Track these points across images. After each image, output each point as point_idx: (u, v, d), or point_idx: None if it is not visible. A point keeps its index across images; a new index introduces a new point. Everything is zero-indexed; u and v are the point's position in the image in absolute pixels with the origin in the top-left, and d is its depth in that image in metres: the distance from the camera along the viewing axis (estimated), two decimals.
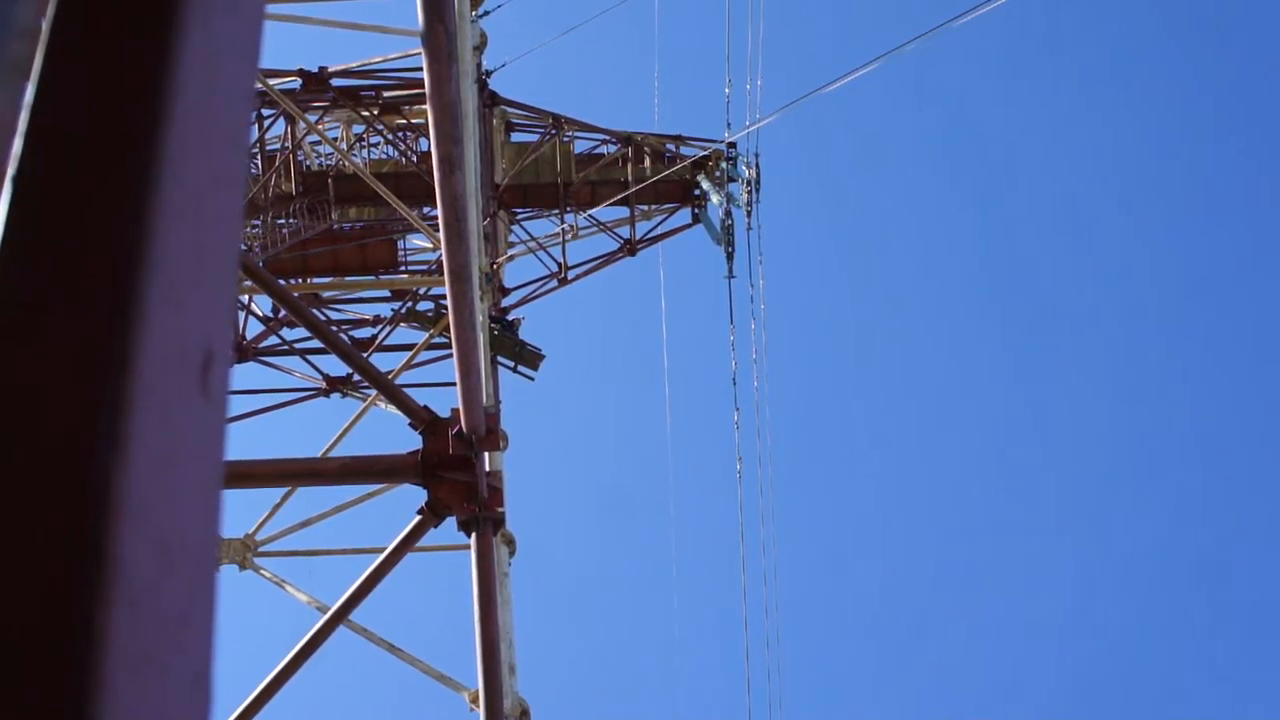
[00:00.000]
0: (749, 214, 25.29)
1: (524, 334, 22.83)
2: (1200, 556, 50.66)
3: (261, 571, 18.73)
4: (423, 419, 8.71)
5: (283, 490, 18.30)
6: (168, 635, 0.84)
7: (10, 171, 0.91)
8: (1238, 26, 51.80)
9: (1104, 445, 53.40)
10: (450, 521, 8.98)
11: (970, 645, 51.32)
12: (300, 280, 23.24)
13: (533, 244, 25.08)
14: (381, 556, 9.28)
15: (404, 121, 22.90)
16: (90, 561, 0.78)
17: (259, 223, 22.12)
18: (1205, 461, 52.00)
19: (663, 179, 24.78)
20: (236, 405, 22.00)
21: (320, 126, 22.41)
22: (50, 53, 0.96)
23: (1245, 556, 50.90)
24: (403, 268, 24.08)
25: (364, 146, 24.35)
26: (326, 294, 23.98)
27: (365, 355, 19.35)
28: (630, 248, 25.17)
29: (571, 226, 25.00)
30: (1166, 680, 48.77)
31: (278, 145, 23.41)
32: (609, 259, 25.18)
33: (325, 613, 9.71)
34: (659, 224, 25.76)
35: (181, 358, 0.89)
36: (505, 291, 24.26)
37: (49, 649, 0.76)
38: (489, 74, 23.45)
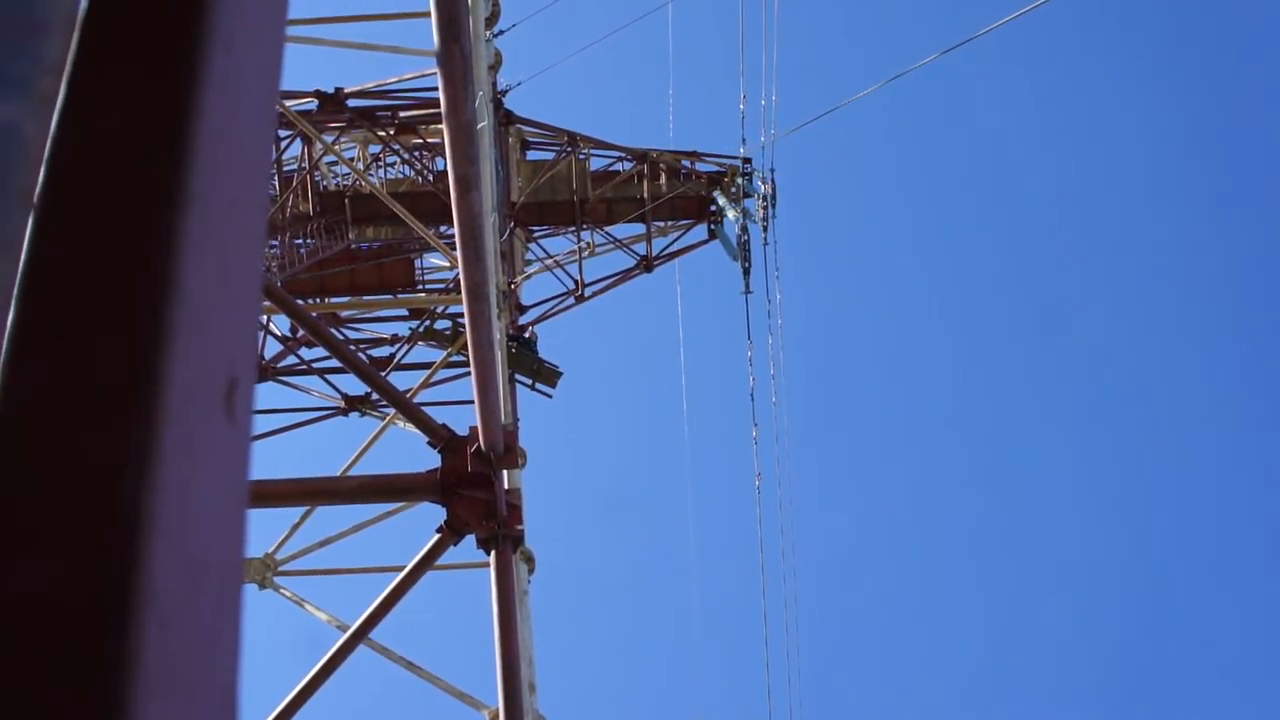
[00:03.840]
0: (765, 229, 25.30)
1: (541, 351, 22.83)
2: (1205, 558, 50.51)
3: (281, 590, 18.74)
4: (441, 437, 8.72)
5: (302, 509, 18.31)
6: (196, 654, 0.85)
7: (35, 200, 0.92)
8: (1244, 28, 51.72)
9: (1110, 450, 53.26)
10: (469, 539, 8.99)
11: (983, 649, 51.13)
12: (318, 300, 23.28)
13: (549, 261, 25.10)
14: (401, 575, 9.29)
15: (420, 141, 22.94)
16: (121, 583, 0.79)
17: (277, 243, 22.16)
18: (1209, 462, 51.87)
19: (679, 195, 24.79)
20: (256, 425, 22.00)
21: (337, 147, 22.47)
22: (74, 82, 0.97)
23: (1248, 558, 50.75)
24: (420, 286, 24.09)
25: (380, 166, 24.40)
26: (344, 313, 24.01)
27: (383, 374, 19.38)
28: (647, 264, 25.17)
29: (588, 244, 25.02)
30: (1171, 683, 48.55)
31: (295, 166, 23.48)
32: (626, 276, 25.18)
33: (345, 631, 9.71)
34: (675, 240, 25.76)
35: (206, 383, 0.90)
36: (523, 309, 24.27)
37: (81, 669, 0.77)
38: (504, 93, 23.49)
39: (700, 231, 25.65)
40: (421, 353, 23.53)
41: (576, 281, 24.71)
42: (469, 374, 8.05)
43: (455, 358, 21.13)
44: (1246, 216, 51.88)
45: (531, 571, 16.13)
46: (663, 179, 25.06)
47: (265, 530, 19.74)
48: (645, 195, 24.78)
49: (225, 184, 1.00)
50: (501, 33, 21.41)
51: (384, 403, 20.41)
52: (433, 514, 8.87)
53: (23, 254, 0.91)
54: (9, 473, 0.82)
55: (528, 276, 24.98)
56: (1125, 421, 53.08)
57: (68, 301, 0.88)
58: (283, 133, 22.20)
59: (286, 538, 18.94)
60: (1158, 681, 49.59)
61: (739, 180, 25.28)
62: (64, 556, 0.79)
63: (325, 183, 24.23)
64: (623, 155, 25.14)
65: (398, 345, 23.53)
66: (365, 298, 23.70)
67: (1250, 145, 52.41)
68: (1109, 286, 54.15)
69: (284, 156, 23.15)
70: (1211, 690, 48.80)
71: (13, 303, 0.87)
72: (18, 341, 0.86)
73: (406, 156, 23.19)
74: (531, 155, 25.05)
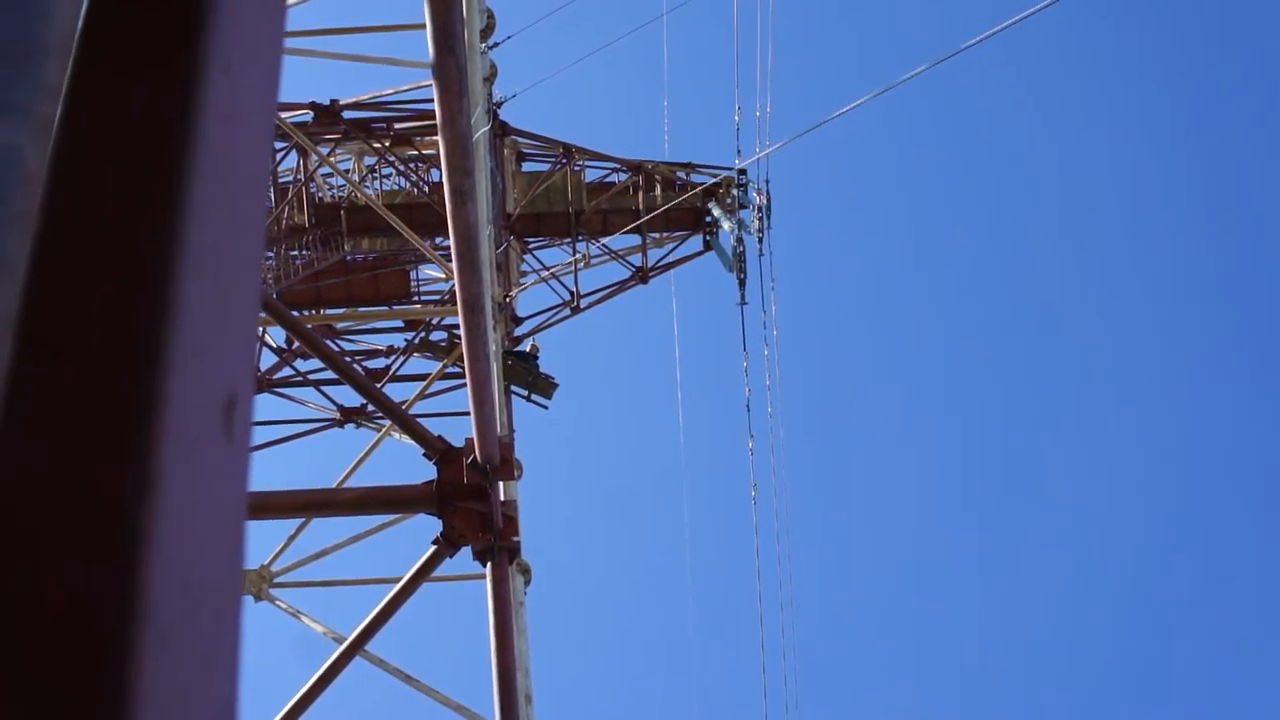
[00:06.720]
0: (760, 240, 25.32)
1: (538, 362, 22.82)
2: (1205, 557, 50.61)
3: (277, 602, 18.73)
4: (437, 449, 8.71)
5: (298, 521, 18.31)
6: (195, 671, 0.86)
7: (35, 222, 0.93)
8: (1240, 31, 51.85)
9: (1109, 450, 53.33)
10: (465, 551, 8.98)
11: (981, 651, 51.12)
12: (314, 312, 23.27)
13: (545, 273, 25.11)
14: (397, 587, 9.27)
15: (415, 153, 22.95)
16: (120, 601, 0.80)
17: (272, 255, 22.18)
18: (1208, 461, 51.99)
19: (674, 207, 24.81)
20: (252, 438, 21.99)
21: (332, 159, 22.48)
22: (73, 104, 0.98)
23: (1248, 557, 50.85)
24: (416, 298, 24.10)
25: (376, 178, 24.41)
26: (340, 325, 24.01)
27: (379, 386, 19.37)
28: (642, 275, 25.18)
29: (583, 255, 25.03)
30: (1170, 683, 48.57)
31: (290, 178, 23.49)
32: (621, 287, 25.19)
33: (342, 643, 9.70)
34: (671, 251, 25.77)
35: (205, 403, 0.91)
36: (518, 321, 24.27)
37: (80, 688, 0.78)
38: (500, 104, 23.51)
39: (695, 243, 25.69)
40: (417, 364, 23.56)
41: (572, 293, 24.71)
42: (465, 385, 8.05)
43: (451, 369, 21.13)
44: (1246, 217, 52.01)
45: (528, 583, 16.13)
46: (658, 190, 25.08)
47: (261, 542, 19.74)
48: (640, 207, 24.80)
49: (223, 204, 1.00)
50: (497, 44, 21.44)
51: (379, 414, 20.41)
52: (428, 526, 8.87)
53: (22, 276, 0.92)
54: (9, 492, 0.83)
55: (524, 288, 24.99)
56: (1124, 421, 53.13)
57: (68, 323, 0.89)
58: (278, 145, 22.21)
59: (282, 549, 18.95)
60: (1157, 681, 49.61)
61: (734, 191, 25.30)
62: (63, 575, 0.80)
63: (321, 195, 24.24)
64: (618, 167, 25.17)
65: (393, 357, 23.53)
66: (361, 309, 23.70)
67: (1251, 145, 52.53)
68: (1107, 289, 54.24)
69: (280, 169, 23.17)
70: (1210, 690, 48.84)
71: (13, 325, 0.88)
72: (18, 362, 0.87)
73: (402, 168, 23.20)
74: (527, 167, 25.08)
